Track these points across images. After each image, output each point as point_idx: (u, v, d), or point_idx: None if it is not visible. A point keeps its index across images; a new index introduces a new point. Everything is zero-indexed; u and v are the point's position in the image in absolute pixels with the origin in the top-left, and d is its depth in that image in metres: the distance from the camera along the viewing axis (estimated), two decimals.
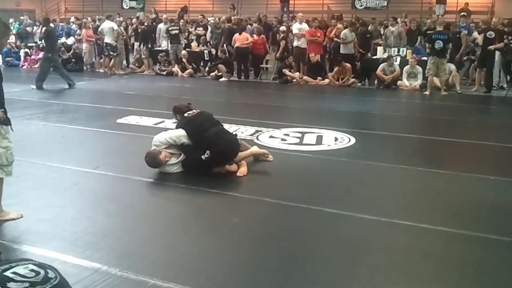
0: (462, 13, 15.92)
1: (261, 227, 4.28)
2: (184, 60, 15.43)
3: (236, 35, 14.95)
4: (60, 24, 19.89)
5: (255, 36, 14.82)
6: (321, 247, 3.86)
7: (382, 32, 15.16)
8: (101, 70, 16.53)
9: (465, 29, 13.84)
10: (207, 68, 15.54)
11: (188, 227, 4.30)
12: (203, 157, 5.34)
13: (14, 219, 4.22)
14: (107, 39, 15.75)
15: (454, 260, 3.67)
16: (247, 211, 4.65)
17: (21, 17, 20.14)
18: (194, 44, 16.35)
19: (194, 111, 5.93)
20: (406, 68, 13.07)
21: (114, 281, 3.25)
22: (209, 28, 16.92)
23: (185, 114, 5.90)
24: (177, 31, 15.86)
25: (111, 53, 15.93)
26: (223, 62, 14.85)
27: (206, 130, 5.57)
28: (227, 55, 15.14)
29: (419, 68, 12.86)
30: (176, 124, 6.02)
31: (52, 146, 6.77)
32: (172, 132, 5.71)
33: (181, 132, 5.57)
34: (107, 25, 15.95)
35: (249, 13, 19.49)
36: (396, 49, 13.91)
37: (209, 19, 17.87)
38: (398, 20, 15.01)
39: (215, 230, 4.20)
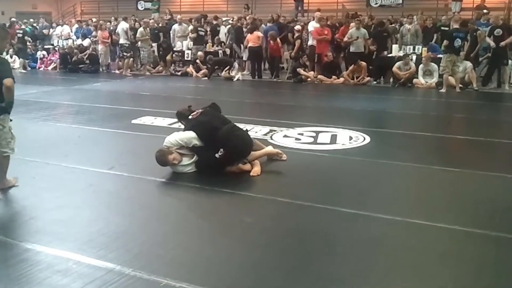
0: (483, 10, 15.72)
1: (275, 227, 4.26)
2: (198, 61, 15.46)
3: (248, 35, 14.94)
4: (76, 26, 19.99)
5: (271, 42, 14.76)
6: (335, 247, 3.83)
7: (396, 29, 15.04)
8: (117, 71, 16.62)
9: (485, 26, 13.66)
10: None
11: (202, 227, 4.30)
12: (217, 155, 5.34)
13: (15, 186, 5.05)
14: (121, 40, 15.89)
15: (470, 259, 3.62)
16: (260, 210, 4.63)
17: (30, 20, 20.28)
18: (209, 45, 16.37)
19: (198, 111, 5.93)
20: (421, 66, 12.96)
21: (127, 281, 3.26)
22: (224, 28, 16.92)
23: (190, 117, 5.91)
24: (203, 33, 15.96)
25: (124, 53, 16.04)
26: (215, 63, 14.92)
27: (217, 128, 5.57)
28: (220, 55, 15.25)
29: (435, 66, 12.74)
30: (184, 127, 6.01)
31: (68, 147, 6.81)
32: (182, 134, 5.70)
33: (192, 134, 5.56)
34: (121, 26, 16.08)
35: (263, 13, 19.48)
36: (411, 47, 13.81)
37: (223, 19, 17.89)
38: (414, 17, 14.86)
39: (228, 230, 4.20)
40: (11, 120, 5.08)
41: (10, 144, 5.03)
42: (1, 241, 3.86)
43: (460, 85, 12.13)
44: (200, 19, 17.36)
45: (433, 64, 12.81)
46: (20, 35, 18.37)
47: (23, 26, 19.18)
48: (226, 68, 14.78)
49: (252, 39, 14.75)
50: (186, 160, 5.52)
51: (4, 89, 4.73)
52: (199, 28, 16.06)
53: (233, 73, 14.70)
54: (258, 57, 15.10)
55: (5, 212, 4.52)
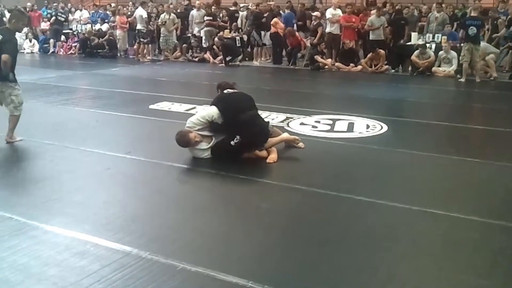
0: None
1: (291, 213, 4.28)
2: (215, 47, 15.43)
3: (273, 21, 14.93)
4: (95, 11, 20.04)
5: (291, 38, 14.73)
6: (350, 234, 3.84)
7: (415, 16, 14.80)
8: (135, 57, 16.64)
9: (504, 15, 13.45)
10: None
11: (218, 212, 4.33)
12: (232, 142, 5.35)
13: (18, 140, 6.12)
14: (138, 26, 15.91)
15: (486, 250, 3.60)
16: (276, 197, 4.65)
17: (55, 4, 20.40)
18: (226, 31, 16.32)
19: (235, 90, 5.95)
20: (440, 53, 12.81)
21: (144, 264, 3.31)
22: (241, 14, 16.84)
23: (225, 91, 5.93)
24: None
25: (142, 39, 16.07)
26: (224, 49, 14.92)
27: (240, 111, 5.55)
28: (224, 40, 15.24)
29: (454, 53, 12.58)
30: (213, 100, 5.98)
31: (86, 131, 6.88)
32: (203, 111, 5.74)
33: (213, 109, 5.58)
34: (138, 12, 16.10)
35: (281, 0, 19.32)
36: (431, 35, 13.63)
37: (241, 5, 17.80)
38: (443, 6, 14.60)
39: (244, 216, 4.23)
40: (17, 89, 6.16)
41: (18, 108, 6.15)
42: (21, 222, 3.93)
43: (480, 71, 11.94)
44: (211, 5, 17.28)
45: (453, 52, 12.66)
46: (63, 18, 18.75)
47: (60, 10, 19.31)
48: (229, 58, 14.73)
49: (278, 26, 14.79)
50: (204, 145, 5.54)
51: (2, 63, 5.80)
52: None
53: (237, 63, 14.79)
54: (281, 44, 15.10)
55: (24, 194, 4.59)
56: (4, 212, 4.10)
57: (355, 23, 14.08)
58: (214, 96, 6.10)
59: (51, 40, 18.46)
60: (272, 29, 14.82)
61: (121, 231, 3.81)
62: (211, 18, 15.91)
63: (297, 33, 14.90)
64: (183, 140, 5.47)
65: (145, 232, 3.81)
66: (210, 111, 5.57)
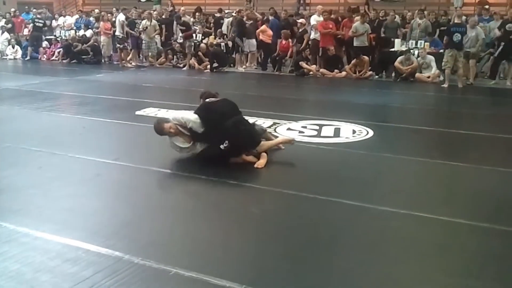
0: (484, 6, 15.71)
1: (281, 218, 4.31)
2: (200, 53, 15.45)
3: (261, 27, 15.02)
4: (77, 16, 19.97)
5: (283, 41, 14.84)
6: (340, 239, 3.88)
7: (399, 23, 14.98)
8: (119, 63, 16.59)
9: (487, 22, 13.67)
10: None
11: (209, 217, 4.35)
12: (222, 146, 5.38)
13: None
14: (116, 32, 15.99)
15: (474, 253, 3.67)
16: (266, 202, 4.67)
17: (34, 9, 20.26)
18: (211, 37, 16.36)
19: (217, 99, 5.98)
20: (417, 59, 13.00)
21: (136, 270, 3.31)
22: (226, 21, 16.88)
23: (207, 100, 5.95)
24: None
25: (118, 45, 16.09)
26: (212, 55, 14.96)
27: (224, 118, 5.57)
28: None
29: (431, 57, 12.79)
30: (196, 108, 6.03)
31: (73, 138, 6.85)
32: (184, 113, 5.77)
33: (192, 117, 5.60)
34: (118, 17, 16.18)
35: (265, 6, 19.43)
36: (414, 42, 13.80)
37: (225, 11, 17.85)
38: (425, 13, 14.78)
39: (235, 221, 4.25)
40: None
41: None
42: (10, 229, 3.91)
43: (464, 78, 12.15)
44: (195, 12, 17.33)
45: (428, 56, 12.87)
46: (41, 24, 18.54)
47: (38, 16, 19.16)
48: (216, 65, 14.77)
49: (264, 34, 14.90)
50: (180, 141, 5.58)
51: None
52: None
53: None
54: (268, 51, 15.20)
55: (14, 202, 4.55)
56: None
57: (332, 29, 14.18)
58: (200, 102, 6.15)
59: (29, 48, 18.28)
60: (260, 36, 14.89)
61: (113, 237, 3.81)
62: (184, 28, 15.68)
63: (290, 40, 15.01)
64: (158, 127, 5.65)
65: (137, 238, 3.81)
66: (189, 118, 5.59)
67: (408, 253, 3.67)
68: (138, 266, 3.35)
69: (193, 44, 15.53)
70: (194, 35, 16.00)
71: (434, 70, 12.74)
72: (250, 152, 5.65)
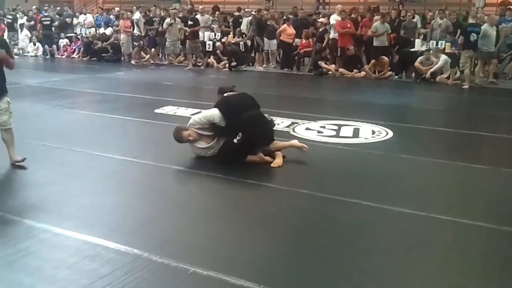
0: (507, 6, 15.48)
1: (298, 218, 4.30)
2: (218, 51, 15.48)
3: (282, 27, 14.98)
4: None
5: (303, 40, 14.79)
6: (358, 240, 3.85)
7: (418, 25, 14.87)
8: (135, 61, 16.64)
9: (509, 22, 13.47)
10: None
11: (226, 216, 4.36)
12: (235, 140, 5.39)
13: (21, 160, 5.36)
14: (134, 30, 16.13)
15: (495, 256, 3.62)
16: (283, 202, 4.67)
17: (44, 8, 20.46)
18: (230, 36, 16.38)
19: (235, 92, 6.00)
20: (420, 58, 12.86)
21: (155, 268, 3.33)
22: (245, 20, 16.88)
23: (225, 94, 5.98)
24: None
25: (134, 43, 16.22)
26: (231, 54, 14.95)
27: (241, 111, 5.57)
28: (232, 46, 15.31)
29: (445, 58, 12.64)
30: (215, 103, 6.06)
31: (93, 135, 6.91)
32: (206, 111, 5.81)
33: (215, 111, 5.64)
34: (134, 16, 16.31)
35: (285, 5, 19.41)
36: (434, 42, 13.66)
37: (245, 10, 17.86)
38: (446, 12, 14.64)
39: (252, 220, 4.25)
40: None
41: None
42: (30, 226, 3.96)
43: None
44: (214, 12, 17.34)
45: (443, 57, 12.73)
46: (48, 22, 18.56)
47: (50, 14, 19.34)
48: (234, 64, 14.78)
49: (285, 33, 14.86)
50: (203, 143, 5.60)
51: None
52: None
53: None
54: (288, 51, 15.17)
55: (34, 198, 4.61)
56: (14, 216, 4.13)
57: (350, 29, 14.10)
58: (218, 97, 6.16)
59: (45, 46, 18.45)
60: (282, 36, 14.86)
61: (131, 235, 3.84)
62: (192, 23, 15.27)
63: (310, 40, 14.96)
64: (177, 135, 5.69)
65: (155, 236, 3.83)
66: (212, 113, 5.63)
67: (426, 256, 3.62)
68: (157, 264, 3.37)
69: (199, 45, 15.38)
70: (212, 33, 16.02)
71: (441, 63, 12.52)
72: (264, 151, 5.65)
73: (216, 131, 5.63)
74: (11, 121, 5.36)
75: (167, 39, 15.78)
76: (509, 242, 3.84)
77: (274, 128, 6.10)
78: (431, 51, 13.01)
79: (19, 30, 19.22)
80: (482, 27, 12.01)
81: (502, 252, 3.67)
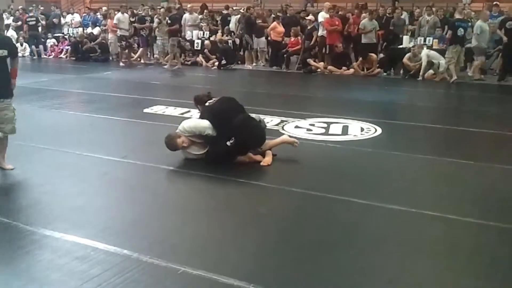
0: (494, 3, 15.57)
1: (289, 216, 4.30)
2: (206, 50, 15.45)
3: (272, 25, 14.95)
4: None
5: (292, 38, 14.77)
6: (349, 238, 3.86)
7: (406, 22, 14.92)
8: (123, 61, 16.54)
9: (495, 19, 13.55)
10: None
11: (216, 215, 4.35)
12: (228, 143, 5.37)
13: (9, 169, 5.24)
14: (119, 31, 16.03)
15: (485, 252, 3.64)
16: (274, 200, 4.68)
17: (29, 8, 20.29)
18: (219, 34, 16.34)
19: (215, 99, 5.96)
20: (408, 54, 12.91)
21: (145, 268, 3.31)
22: (234, 18, 16.85)
23: (207, 104, 5.93)
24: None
25: (118, 43, 16.12)
26: (221, 52, 14.94)
27: (231, 118, 5.56)
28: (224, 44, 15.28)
29: (429, 53, 12.69)
30: (200, 114, 6.05)
31: (81, 135, 6.87)
32: (198, 122, 5.74)
33: (206, 123, 5.59)
34: (116, 17, 16.19)
35: (272, 3, 19.39)
36: (422, 39, 13.72)
37: (233, 8, 17.82)
38: (433, 9, 14.71)
39: (243, 219, 4.25)
40: None
41: None
42: (20, 227, 3.93)
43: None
44: (203, 10, 17.26)
45: (432, 52, 12.78)
46: (33, 22, 18.42)
47: (35, 14, 19.19)
48: (224, 63, 14.75)
49: (275, 31, 14.84)
50: (196, 149, 5.58)
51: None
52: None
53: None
54: (277, 49, 15.15)
55: (24, 200, 4.58)
56: (3, 218, 4.09)
57: (338, 26, 14.12)
58: (197, 109, 6.20)
59: (32, 46, 18.33)
60: (272, 35, 14.84)
61: (121, 235, 3.82)
62: (170, 22, 15.10)
63: (299, 37, 14.95)
64: (171, 144, 5.59)
65: (145, 236, 3.81)
66: (204, 126, 5.57)
67: (417, 252, 3.64)
68: (147, 265, 3.36)
69: (175, 43, 15.18)
70: (201, 32, 15.96)
71: (423, 62, 12.61)
72: (256, 152, 5.64)
73: (207, 141, 5.60)
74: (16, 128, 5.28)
75: (157, 38, 15.71)
76: (497, 238, 3.87)
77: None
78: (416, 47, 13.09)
79: (5, 31, 19.04)
80: (477, 24, 12.12)
81: (490, 248, 3.70)
